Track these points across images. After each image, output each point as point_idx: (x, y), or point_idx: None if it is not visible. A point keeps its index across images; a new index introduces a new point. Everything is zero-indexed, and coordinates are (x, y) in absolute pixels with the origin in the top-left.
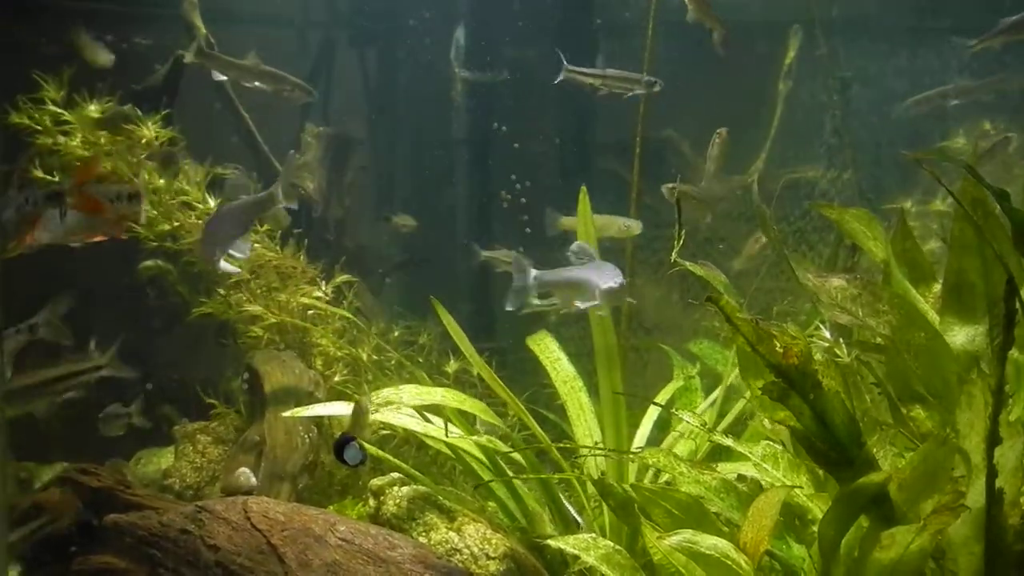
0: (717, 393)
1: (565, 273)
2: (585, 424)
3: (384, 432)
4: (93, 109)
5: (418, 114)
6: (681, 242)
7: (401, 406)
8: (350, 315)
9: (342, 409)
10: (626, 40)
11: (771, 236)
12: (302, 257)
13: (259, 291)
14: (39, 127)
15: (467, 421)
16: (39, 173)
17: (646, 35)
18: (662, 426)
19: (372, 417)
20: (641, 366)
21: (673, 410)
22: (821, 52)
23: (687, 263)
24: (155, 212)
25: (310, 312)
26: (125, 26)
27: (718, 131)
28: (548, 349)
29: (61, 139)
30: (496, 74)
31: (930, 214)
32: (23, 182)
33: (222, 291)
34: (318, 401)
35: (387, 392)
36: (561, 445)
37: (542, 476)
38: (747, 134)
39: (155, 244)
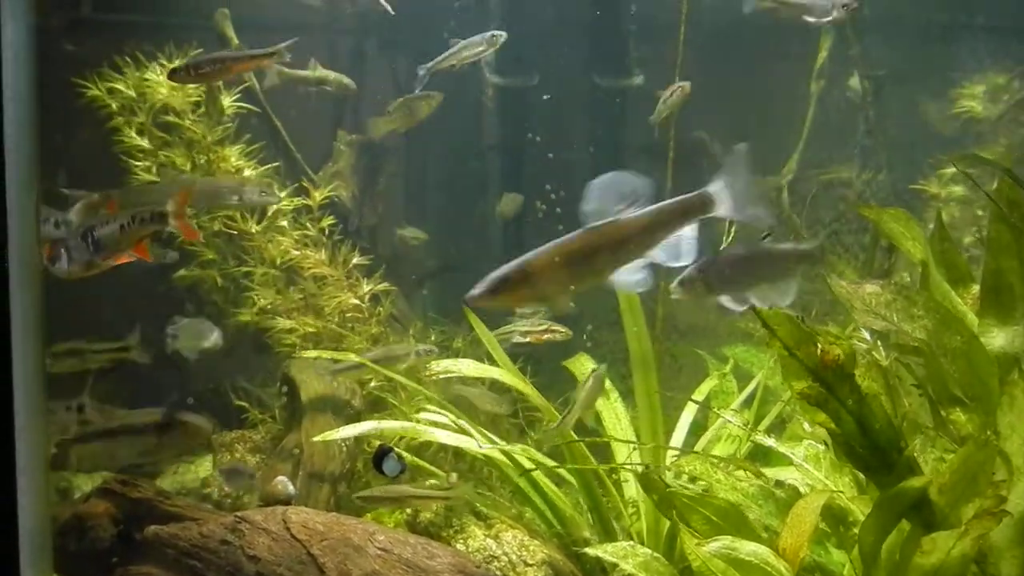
0: (749, 391)
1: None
2: (622, 432)
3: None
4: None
5: (451, 120)
6: (731, 238)
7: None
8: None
9: (375, 428)
10: (658, 43)
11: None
12: (343, 263)
13: (297, 298)
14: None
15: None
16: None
17: (678, 37)
18: (697, 432)
19: (410, 429)
20: (676, 370)
21: (714, 409)
22: (853, 52)
23: None
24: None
25: (347, 315)
26: (160, 37)
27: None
28: (584, 367)
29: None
30: (527, 79)
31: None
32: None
33: (262, 300)
34: (354, 410)
35: (447, 363)
36: (596, 440)
37: (580, 466)
38: (780, 135)
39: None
